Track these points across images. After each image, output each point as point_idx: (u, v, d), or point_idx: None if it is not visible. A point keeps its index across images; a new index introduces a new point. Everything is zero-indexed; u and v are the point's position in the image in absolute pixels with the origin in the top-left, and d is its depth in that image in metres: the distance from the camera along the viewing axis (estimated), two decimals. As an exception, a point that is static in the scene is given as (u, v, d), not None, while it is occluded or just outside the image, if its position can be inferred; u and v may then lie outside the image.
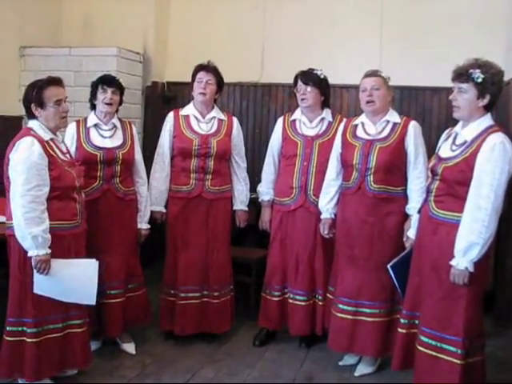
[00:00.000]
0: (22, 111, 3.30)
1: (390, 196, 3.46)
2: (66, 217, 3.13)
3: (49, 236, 3.01)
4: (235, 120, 3.99)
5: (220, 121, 3.91)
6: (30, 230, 2.94)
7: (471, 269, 2.79)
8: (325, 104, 3.87)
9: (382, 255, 3.44)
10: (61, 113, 3.14)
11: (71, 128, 3.70)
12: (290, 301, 3.85)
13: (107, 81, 3.69)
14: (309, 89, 3.76)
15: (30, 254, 3.00)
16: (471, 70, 2.85)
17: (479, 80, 2.83)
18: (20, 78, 4.83)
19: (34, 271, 3.03)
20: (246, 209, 4.03)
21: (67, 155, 3.25)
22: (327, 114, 3.86)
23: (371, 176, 3.44)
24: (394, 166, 3.46)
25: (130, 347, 3.80)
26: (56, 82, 3.15)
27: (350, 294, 3.52)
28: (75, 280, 3.14)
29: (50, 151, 3.09)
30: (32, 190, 2.96)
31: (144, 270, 3.92)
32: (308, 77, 3.78)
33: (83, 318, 3.25)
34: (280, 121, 3.98)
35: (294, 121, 3.90)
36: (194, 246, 3.86)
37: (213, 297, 3.89)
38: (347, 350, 3.60)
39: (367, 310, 3.49)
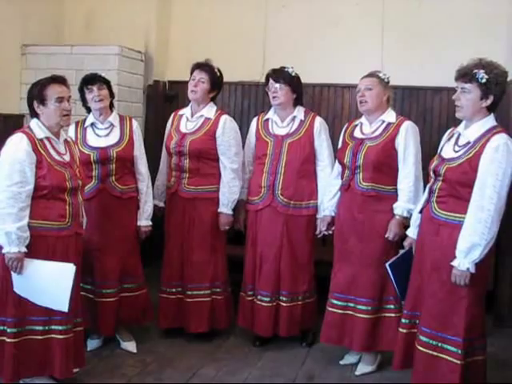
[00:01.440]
0: (23, 109, 3.30)
1: (379, 194, 3.48)
2: (52, 217, 3.05)
3: (26, 235, 2.95)
4: (223, 119, 3.84)
5: (206, 119, 3.86)
6: (4, 225, 2.91)
7: (473, 270, 2.79)
8: (298, 102, 3.87)
9: (371, 252, 3.48)
10: (62, 111, 3.10)
11: (70, 130, 3.72)
12: (255, 300, 3.87)
13: (90, 79, 3.69)
14: (280, 86, 3.76)
15: (2, 251, 2.97)
16: (475, 70, 2.83)
17: (483, 80, 2.82)
18: (21, 76, 4.82)
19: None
20: (228, 212, 3.87)
21: (65, 156, 3.17)
22: (299, 112, 3.86)
23: (360, 174, 3.48)
24: (384, 165, 3.47)
25: (130, 346, 3.81)
26: (59, 80, 3.14)
27: (341, 289, 3.57)
28: (48, 283, 3.01)
29: (41, 149, 3.05)
30: (13, 186, 2.93)
31: (145, 268, 3.92)
32: (279, 75, 3.79)
33: (68, 324, 3.10)
34: (254, 121, 4.01)
35: (267, 120, 3.92)
36: (172, 242, 3.92)
37: (186, 295, 3.89)
38: (338, 343, 3.62)
39: (356, 306, 3.53)
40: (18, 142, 3.00)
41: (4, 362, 3.03)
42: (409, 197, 3.40)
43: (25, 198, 2.96)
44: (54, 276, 3.02)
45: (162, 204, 4.02)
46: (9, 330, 3.02)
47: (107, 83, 3.72)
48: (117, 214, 3.68)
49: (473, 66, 2.86)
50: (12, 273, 3.00)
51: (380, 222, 3.47)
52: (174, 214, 3.91)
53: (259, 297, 3.84)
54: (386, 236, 3.43)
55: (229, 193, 3.84)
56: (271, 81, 3.81)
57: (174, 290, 3.93)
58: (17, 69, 4.87)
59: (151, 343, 3.91)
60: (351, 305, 3.54)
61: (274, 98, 3.80)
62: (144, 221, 3.79)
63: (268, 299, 3.82)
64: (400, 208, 3.42)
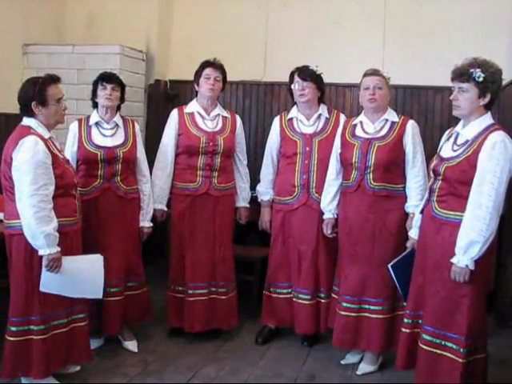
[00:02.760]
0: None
1: (389, 193, 3.49)
2: (68, 213, 3.15)
3: (57, 234, 3.02)
4: (238, 117, 4.04)
5: (224, 118, 3.94)
6: (42, 228, 2.95)
7: (472, 267, 2.80)
8: (321, 100, 3.90)
9: (383, 252, 3.47)
10: (61, 110, 3.16)
11: (73, 127, 3.72)
12: (295, 299, 3.86)
13: (107, 77, 3.70)
14: (307, 84, 3.78)
15: (41, 253, 3.00)
16: (472, 70, 2.85)
17: (480, 79, 2.83)
18: (23, 76, 4.78)
19: (43, 269, 3.03)
20: (248, 205, 4.06)
21: (62, 153, 3.28)
22: (323, 110, 3.89)
23: (370, 174, 3.47)
24: (393, 164, 3.49)
25: (132, 345, 3.81)
26: (56, 80, 3.17)
27: (353, 292, 3.54)
28: (83, 275, 3.17)
29: (52, 149, 3.09)
30: (40, 190, 2.96)
31: (146, 267, 3.92)
32: (305, 72, 3.81)
33: (85, 311, 3.29)
34: (277, 120, 3.99)
35: (291, 119, 3.91)
36: (201, 242, 3.87)
37: (220, 293, 3.91)
38: (352, 346, 3.61)
39: (371, 307, 3.51)
40: (34, 145, 2.99)
41: (33, 359, 3.08)
42: (421, 195, 3.39)
43: (51, 198, 3.02)
44: (88, 268, 3.22)
45: (165, 208, 3.95)
46: (36, 328, 3.08)
47: (122, 86, 3.76)
48: (120, 214, 3.69)
49: (468, 65, 2.88)
50: (44, 272, 3.04)
51: (391, 220, 3.48)
52: (201, 215, 3.85)
53: (300, 295, 3.83)
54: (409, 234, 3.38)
55: (248, 187, 4.07)
56: (297, 79, 3.80)
57: (205, 290, 3.87)
58: (18, 68, 4.88)
59: (153, 342, 3.91)
60: (366, 306, 3.52)
61: (301, 95, 3.80)
62: (146, 222, 3.82)
63: (309, 297, 3.81)
64: (413, 207, 3.43)
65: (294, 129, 3.88)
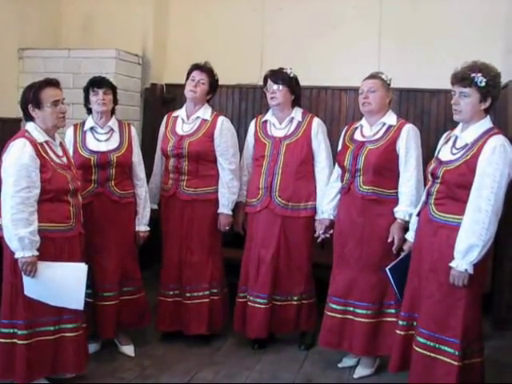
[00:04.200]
0: (20, 113, 3.31)
1: (380, 198, 3.46)
2: (58, 219, 3.12)
3: (37, 238, 3.00)
4: (220, 120, 3.86)
5: (203, 121, 3.87)
6: (17, 231, 2.94)
7: (470, 271, 2.80)
8: (296, 103, 3.88)
9: (371, 256, 3.46)
10: (58, 113, 3.15)
11: (69, 132, 3.74)
12: (250, 303, 3.85)
13: (97, 82, 3.70)
14: (278, 87, 3.77)
15: (16, 256, 3.00)
16: (473, 74, 2.84)
17: (482, 84, 2.83)
18: (18, 80, 4.81)
19: (22, 273, 3.02)
20: (228, 212, 3.89)
21: (63, 158, 3.24)
22: (297, 113, 3.86)
23: (360, 177, 3.46)
24: (384, 168, 3.45)
25: (128, 349, 3.80)
26: (53, 83, 3.17)
27: (339, 294, 3.55)
28: (62, 284, 3.11)
29: (43, 153, 3.09)
30: (21, 192, 2.96)
31: (143, 271, 3.92)
32: (277, 76, 3.80)
33: (78, 322, 3.22)
34: (252, 123, 4.01)
35: (265, 122, 3.92)
36: (171, 244, 3.91)
37: (185, 297, 3.89)
38: (336, 347, 3.60)
39: (356, 310, 3.51)
40: (21, 147, 3.01)
41: (16, 363, 3.07)
42: (410, 200, 3.38)
43: (33, 202, 3.00)
44: (68, 276, 3.12)
45: (155, 206, 4.01)
46: (20, 333, 3.06)
47: (113, 89, 3.75)
48: (115, 218, 3.68)
49: (469, 69, 2.87)
50: (24, 277, 3.03)
51: (380, 225, 3.44)
52: (172, 217, 3.89)
53: (256, 299, 3.82)
54: (389, 241, 3.40)
55: (229, 193, 3.86)
56: (269, 82, 3.81)
57: (171, 292, 3.92)
58: (14, 72, 4.86)
59: (149, 347, 3.90)
60: (350, 309, 3.52)
61: (272, 98, 3.80)
62: (142, 226, 3.81)
63: (265, 301, 3.80)
64: (401, 212, 3.40)
65: (266, 131, 3.89)
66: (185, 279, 3.88)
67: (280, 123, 3.86)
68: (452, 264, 2.83)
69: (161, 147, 3.96)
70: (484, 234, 2.77)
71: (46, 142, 3.14)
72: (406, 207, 3.38)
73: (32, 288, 3.06)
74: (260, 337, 3.87)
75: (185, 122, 3.92)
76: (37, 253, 3.01)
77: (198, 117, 3.88)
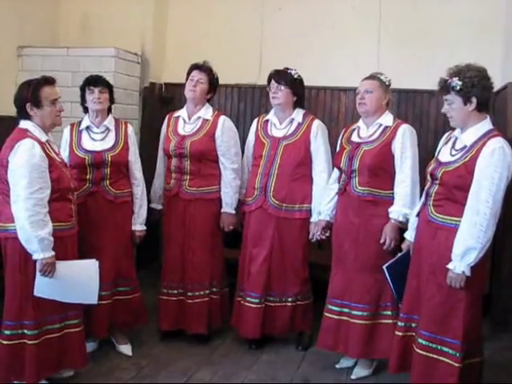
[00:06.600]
0: (18, 111, 3.29)
1: (376, 199, 3.44)
2: (64, 218, 3.13)
3: (52, 238, 3.00)
4: (221, 120, 3.87)
5: (204, 121, 3.88)
6: (37, 233, 2.93)
7: (468, 273, 2.80)
8: (298, 105, 3.86)
9: (366, 257, 3.46)
10: (56, 112, 3.15)
11: (65, 132, 3.74)
12: (244, 302, 3.86)
13: (93, 81, 3.69)
14: (281, 87, 3.77)
15: (35, 257, 2.99)
16: (449, 80, 2.87)
17: (458, 88, 2.84)
18: (17, 78, 4.79)
19: (37, 274, 3.01)
20: (231, 211, 3.90)
21: (60, 156, 3.26)
22: (298, 114, 3.85)
23: (356, 178, 3.45)
24: (380, 169, 3.44)
25: (126, 349, 3.79)
26: (51, 81, 3.16)
27: (336, 295, 3.55)
28: (78, 281, 3.16)
29: (48, 153, 3.08)
30: (35, 193, 2.95)
31: (139, 270, 3.91)
32: (281, 76, 3.79)
33: (80, 317, 3.26)
34: (255, 121, 4.03)
35: (267, 121, 3.92)
36: (173, 244, 3.91)
37: (187, 296, 3.89)
38: (333, 348, 3.60)
39: (351, 312, 3.50)
40: (30, 148, 2.98)
41: (26, 363, 3.06)
42: (405, 201, 3.37)
43: (46, 202, 3.00)
44: (82, 273, 3.20)
45: (160, 207, 4.02)
46: (30, 333, 3.06)
47: (109, 87, 3.74)
48: (110, 218, 3.67)
49: (447, 76, 2.90)
50: (38, 277, 3.02)
51: (376, 226, 3.43)
52: (174, 216, 3.89)
53: (248, 298, 3.83)
54: (381, 241, 3.40)
55: (232, 192, 3.87)
56: (272, 81, 3.80)
57: (175, 291, 3.91)
58: (12, 71, 4.86)
59: (147, 346, 3.90)
60: (346, 310, 3.51)
61: (273, 98, 3.80)
62: (139, 225, 3.80)
63: (257, 301, 3.80)
64: (396, 212, 3.39)
65: (267, 131, 3.89)
66: (187, 279, 3.88)
67: (280, 123, 3.86)
68: (449, 266, 2.83)
69: (163, 147, 3.96)
70: (482, 237, 2.77)
71: (47, 140, 3.14)
72: (400, 208, 3.37)
73: (44, 288, 3.06)
74: (254, 337, 3.87)
75: (186, 122, 3.91)
76: (54, 253, 3.02)
77: (199, 117, 3.88)
